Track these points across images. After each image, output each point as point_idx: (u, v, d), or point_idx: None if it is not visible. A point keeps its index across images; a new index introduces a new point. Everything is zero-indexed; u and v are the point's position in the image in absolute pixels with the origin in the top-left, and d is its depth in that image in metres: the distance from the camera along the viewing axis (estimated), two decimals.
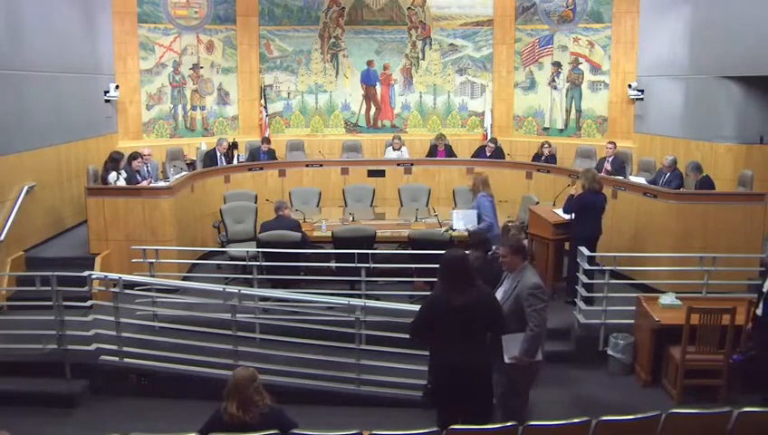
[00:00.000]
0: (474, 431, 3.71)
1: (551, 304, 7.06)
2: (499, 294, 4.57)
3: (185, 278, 7.35)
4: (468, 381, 4.14)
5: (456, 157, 10.84)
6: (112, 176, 8.25)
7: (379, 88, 12.49)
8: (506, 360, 4.42)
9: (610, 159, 9.75)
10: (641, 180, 8.81)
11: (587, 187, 6.91)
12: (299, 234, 7.02)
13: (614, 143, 9.99)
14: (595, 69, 11.70)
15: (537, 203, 8.41)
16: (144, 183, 8.55)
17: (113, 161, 8.40)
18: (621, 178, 8.98)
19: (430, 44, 12.37)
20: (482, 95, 12.39)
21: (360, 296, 6.28)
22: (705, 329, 5.46)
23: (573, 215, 6.95)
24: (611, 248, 7.24)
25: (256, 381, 3.63)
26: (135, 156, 8.80)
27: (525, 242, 5.39)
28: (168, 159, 10.55)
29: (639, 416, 3.80)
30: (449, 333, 4.09)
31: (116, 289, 5.97)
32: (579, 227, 6.88)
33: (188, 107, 11.92)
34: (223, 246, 7.97)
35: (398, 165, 10.27)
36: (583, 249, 6.42)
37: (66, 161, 9.01)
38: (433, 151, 11.02)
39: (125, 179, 8.33)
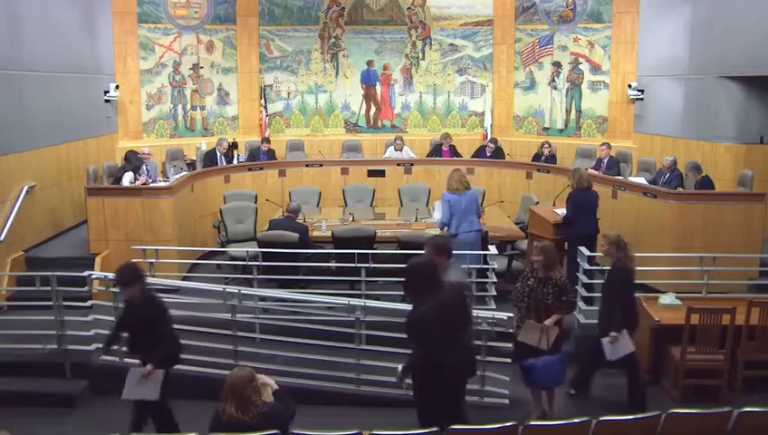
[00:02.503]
0: (474, 431, 3.71)
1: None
2: None
3: (185, 278, 7.35)
4: (458, 380, 4.29)
5: (460, 157, 10.82)
6: (128, 176, 8.28)
7: (379, 88, 12.49)
8: None
9: (605, 161, 9.75)
10: (641, 180, 8.81)
11: (575, 186, 6.98)
12: (296, 234, 7.00)
13: (608, 144, 9.99)
14: (595, 69, 11.70)
15: (537, 203, 8.42)
16: (142, 179, 8.57)
17: (130, 163, 8.46)
18: (621, 178, 8.98)
19: (430, 44, 12.37)
20: (482, 95, 12.40)
21: (360, 296, 6.27)
22: (705, 329, 5.45)
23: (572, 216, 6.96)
24: None
25: (254, 380, 3.61)
26: (132, 154, 8.84)
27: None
28: (168, 159, 10.56)
29: (639, 416, 3.81)
30: (437, 335, 4.16)
31: (116, 289, 5.96)
32: (575, 226, 6.89)
33: (188, 107, 11.92)
34: (223, 246, 7.97)
35: (398, 165, 10.28)
36: (583, 249, 6.42)
37: (66, 161, 9.01)
38: (437, 151, 11.01)
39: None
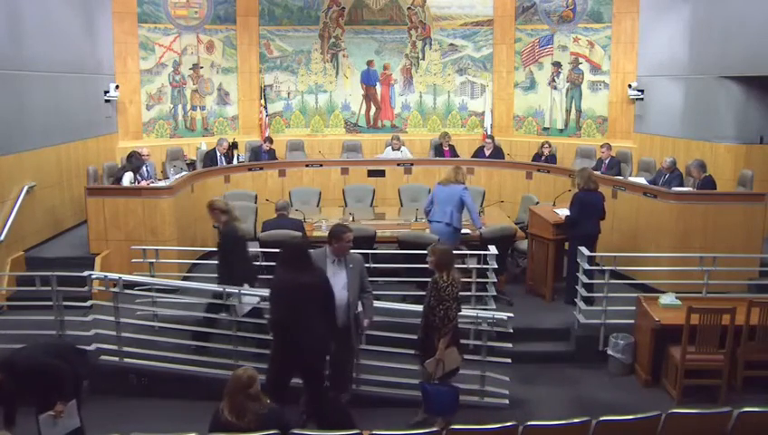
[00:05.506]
0: (474, 431, 3.71)
1: (551, 305, 7.15)
2: (341, 280, 5.07)
3: (185, 278, 7.35)
4: (319, 354, 4.81)
5: (459, 157, 10.80)
6: (128, 176, 8.27)
7: (379, 88, 12.48)
8: (366, 324, 5.19)
9: (607, 162, 9.74)
10: (641, 180, 8.81)
11: (582, 186, 6.95)
12: (300, 233, 7.00)
13: (608, 145, 9.98)
14: (595, 69, 11.70)
15: (537, 203, 8.42)
16: (144, 183, 8.56)
17: (131, 163, 8.45)
18: (621, 178, 8.98)
19: (430, 44, 12.37)
20: (482, 95, 12.39)
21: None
22: (705, 329, 5.46)
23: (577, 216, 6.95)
24: (611, 248, 7.24)
25: (253, 386, 3.55)
26: (134, 155, 8.83)
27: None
28: (168, 159, 10.55)
29: (639, 416, 3.81)
30: (298, 309, 4.58)
31: (116, 289, 5.96)
32: (578, 226, 6.88)
33: (188, 107, 11.92)
34: None
35: (398, 165, 10.27)
36: (583, 249, 6.42)
37: (66, 161, 9.01)
38: (438, 151, 11.00)
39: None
